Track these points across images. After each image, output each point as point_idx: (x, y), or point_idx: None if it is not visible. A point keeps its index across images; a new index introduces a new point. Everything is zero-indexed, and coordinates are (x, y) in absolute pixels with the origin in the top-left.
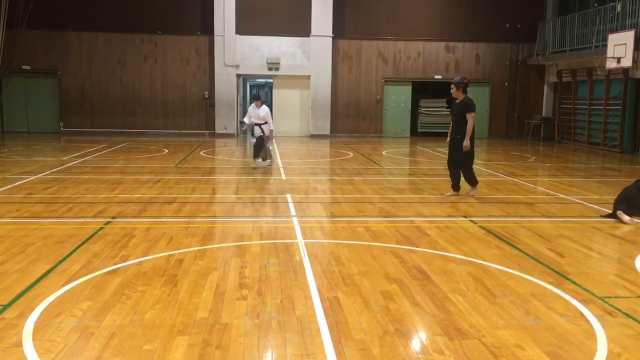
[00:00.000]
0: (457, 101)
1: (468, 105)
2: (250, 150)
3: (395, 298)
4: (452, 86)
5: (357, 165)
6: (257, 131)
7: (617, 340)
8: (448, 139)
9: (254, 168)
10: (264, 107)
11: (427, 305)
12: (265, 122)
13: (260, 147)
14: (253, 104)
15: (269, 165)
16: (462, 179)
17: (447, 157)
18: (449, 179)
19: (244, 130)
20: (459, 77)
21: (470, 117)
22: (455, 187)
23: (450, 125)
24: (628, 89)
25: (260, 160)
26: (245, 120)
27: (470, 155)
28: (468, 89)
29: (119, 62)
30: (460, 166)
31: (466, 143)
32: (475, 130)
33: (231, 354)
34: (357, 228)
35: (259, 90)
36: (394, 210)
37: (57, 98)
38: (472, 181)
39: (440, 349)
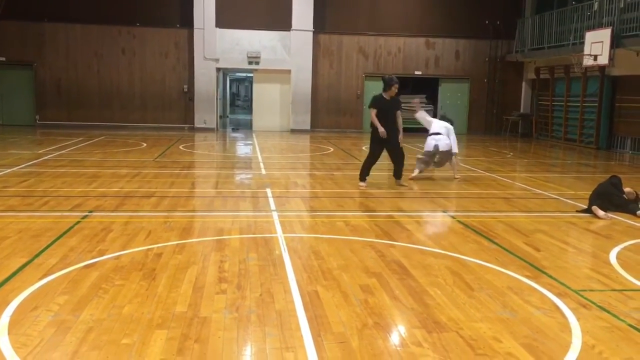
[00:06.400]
0: None
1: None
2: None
3: (374, 292)
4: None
5: (337, 160)
6: None
7: (591, 332)
8: None
9: None
10: None
11: (405, 299)
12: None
13: None
14: None
15: None
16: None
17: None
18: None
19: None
20: (388, 75)
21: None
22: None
23: None
24: (604, 86)
25: None
26: None
27: (370, 147)
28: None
29: (96, 54)
30: None
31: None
32: (455, 126)
33: (210, 347)
34: (337, 222)
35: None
36: (373, 204)
37: (32, 90)
38: (360, 173)
39: (419, 342)
